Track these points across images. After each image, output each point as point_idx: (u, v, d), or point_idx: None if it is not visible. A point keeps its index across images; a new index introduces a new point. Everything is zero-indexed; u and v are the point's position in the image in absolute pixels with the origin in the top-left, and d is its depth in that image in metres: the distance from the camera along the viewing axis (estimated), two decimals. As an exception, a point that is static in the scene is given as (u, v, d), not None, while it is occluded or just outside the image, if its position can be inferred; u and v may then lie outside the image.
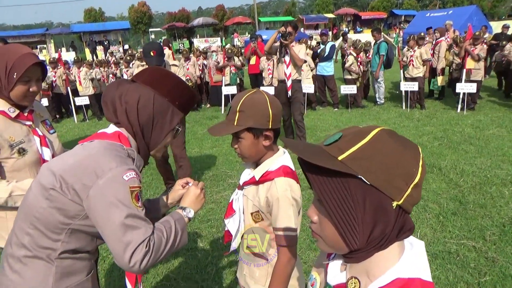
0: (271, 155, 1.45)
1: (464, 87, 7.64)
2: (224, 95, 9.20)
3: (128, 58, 10.67)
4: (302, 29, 29.87)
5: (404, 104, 8.57)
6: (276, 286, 1.41)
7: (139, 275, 1.63)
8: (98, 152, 1.21)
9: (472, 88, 7.54)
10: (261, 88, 8.25)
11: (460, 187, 4.34)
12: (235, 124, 1.37)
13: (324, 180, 0.72)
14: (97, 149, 1.23)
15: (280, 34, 5.40)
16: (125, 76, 9.75)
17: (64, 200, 1.17)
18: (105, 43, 29.65)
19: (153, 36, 36.76)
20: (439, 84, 9.00)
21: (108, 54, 15.93)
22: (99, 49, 28.17)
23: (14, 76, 1.68)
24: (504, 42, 9.45)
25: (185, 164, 4.30)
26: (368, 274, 0.77)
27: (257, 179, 1.43)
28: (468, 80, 7.79)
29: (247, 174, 1.52)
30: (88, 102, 9.37)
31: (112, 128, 1.32)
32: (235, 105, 1.37)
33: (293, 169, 1.46)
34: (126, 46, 17.69)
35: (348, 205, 0.71)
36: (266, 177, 1.42)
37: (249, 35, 13.53)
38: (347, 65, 8.89)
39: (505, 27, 11.61)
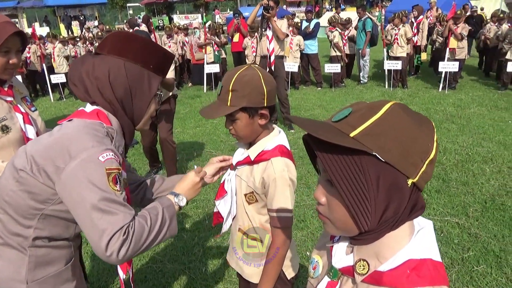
0: (266, 134, 1.38)
1: (446, 66, 7.69)
2: (206, 73, 9.01)
3: (100, 34, 10.24)
4: (284, 6, 29.39)
5: (387, 83, 8.59)
6: (271, 268, 1.37)
7: (129, 261, 1.56)
8: (73, 132, 1.11)
9: (454, 67, 7.59)
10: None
11: (443, 165, 4.41)
12: (228, 104, 1.28)
13: (335, 158, 0.68)
14: (72, 128, 1.13)
15: (263, 7, 5.30)
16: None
17: (35, 183, 1.07)
18: (81, 18, 28.48)
19: (131, 12, 35.50)
20: (422, 60, 9.09)
21: (84, 30, 15.28)
22: (75, 24, 27.07)
23: None
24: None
25: (171, 150, 4.21)
26: (377, 256, 0.73)
27: (252, 159, 1.36)
28: (452, 59, 7.85)
29: (240, 154, 1.45)
30: (64, 80, 9.01)
31: (90, 107, 1.21)
32: (226, 84, 1.28)
33: (289, 148, 1.40)
34: (96, 23, 16.66)
35: (361, 184, 0.67)
36: (261, 157, 1.35)
37: (232, 12, 13.17)
38: (335, 40, 8.75)
39: (472, 10, 11.58)
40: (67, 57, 9.33)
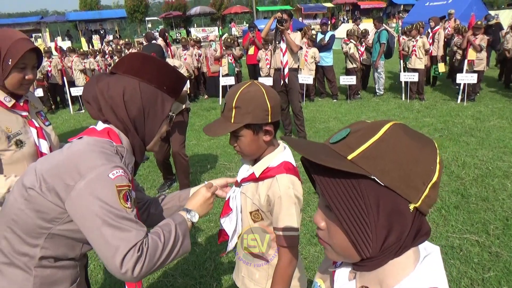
0: (271, 151, 1.36)
1: (464, 78, 7.54)
2: (222, 86, 9.08)
3: (118, 48, 10.43)
4: (300, 19, 29.55)
5: (403, 95, 8.48)
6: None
7: (138, 284, 1.55)
8: (82, 150, 1.11)
9: (472, 78, 7.44)
10: (259, 79, 8.13)
11: (462, 180, 4.28)
12: (232, 121, 1.27)
13: (333, 182, 0.65)
14: (82, 146, 1.13)
15: (276, 20, 5.33)
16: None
17: (44, 202, 1.07)
18: (101, 32, 29.28)
19: (149, 25, 36.39)
20: (440, 71, 8.95)
21: (104, 44, 15.64)
22: (95, 38, 27.83)
23: (9, 63, 1.59)
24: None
25: (183, 163, 4.22)
26: (381, 284, 0.70)
27: (257, 176, 1.34)
28: (470, 71, 7.69)
29: (245, 171, 1.43)
30: (83, 93, 9.21)
31: (101, 125, 1.22)
32: (230, 101, 1.27)
33: (295, 165, 1.38)
34: (111, 37, 17.12)
35: (360, 210, 0.63)
36: (266, 174, 1.33)
37: (247, 25, 13.29)
38: (351, 51, 8.70)
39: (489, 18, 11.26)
40: (83, 71, 9.53)
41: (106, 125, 1.21)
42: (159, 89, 1.24)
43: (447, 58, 10.10)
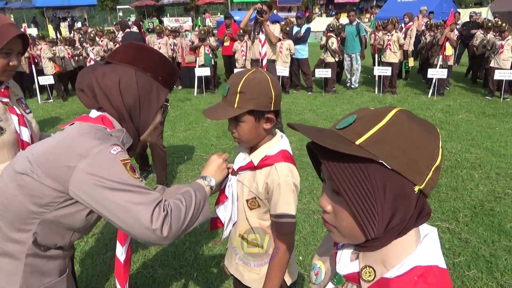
0: (269, 139, 1.37)
1: (435, 73, 7.80)
2: (197, 76, 8.97)
3: (92, 35, 10.08)
4: (275, 11, 29.53)
5: (376, 88, 8.68)
6: (274, 275, 1.35)
7: (126, 275, 1.52)
8: (78, 133, 1.10)
9: (443, 73, 7.72)
10: (235, 70, 8.10)
11: (432, 171, 4.45)
12: (235, 106, 1.26)
13: (341, 166, 0.67)
14: (75, 130, 1.11)
15: (256, 11, 5.34)
16: (91, 55, 9.24)
17: (39, 187, 1.05)
18: (68, 20, 28.18)
19: (121, 14, 35.30)
20: (409, 65, 9.31)
21: (73, 32, 15.03)
22: (63, 26, 26.74)
23: None
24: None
25: (161, 154, 4.17)
26: (384, 263, 0.73)
27: (255, 164, 1.35)
28: (445, 66, 7.96)
29: (241, 159, 1.43)
30: (52, 82, 8.86)
31: (95, 113, 1.20)
32: (234, 86, 1.26)
33: (291, 153, 1.39)
34: (79, 24, 16.42)
35: (368, 192, 0.66)
36: (265, 162, 1.34)
37: (223, 16, 13.14)
38: (333, 46, 8.79)
39: (473, 14, 11.80)
40: (51, 59, 9.12)
41: (100, 113, 1.20)
42: (154, 79, 1.24)
43: (419, 53, 10.41)
